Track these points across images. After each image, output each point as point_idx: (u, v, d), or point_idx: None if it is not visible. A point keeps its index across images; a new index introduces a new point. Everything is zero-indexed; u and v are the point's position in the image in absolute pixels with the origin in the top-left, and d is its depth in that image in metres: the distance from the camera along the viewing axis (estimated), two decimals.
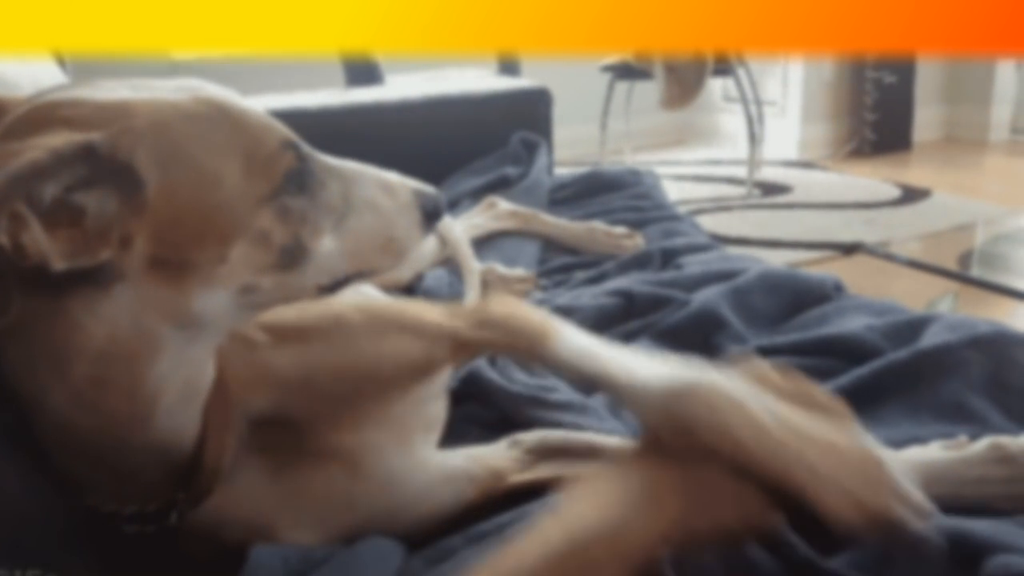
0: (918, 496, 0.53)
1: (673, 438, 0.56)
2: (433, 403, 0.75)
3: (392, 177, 0.61)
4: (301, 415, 0.62)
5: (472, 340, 0.66)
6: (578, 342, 0.64)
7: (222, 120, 0.51)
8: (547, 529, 0.49)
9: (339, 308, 0.66)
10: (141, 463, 0.54)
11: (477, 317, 0.67)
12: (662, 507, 0.51)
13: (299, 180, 0.53)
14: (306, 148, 0.55)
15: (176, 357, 0.51)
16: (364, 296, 0.87)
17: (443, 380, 0.80)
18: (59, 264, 0.44)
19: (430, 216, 0.61)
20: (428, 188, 0.62)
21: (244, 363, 0.59)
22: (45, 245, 0.43)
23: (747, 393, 0.56)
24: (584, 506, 0.50)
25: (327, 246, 0.55)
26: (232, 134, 0.51)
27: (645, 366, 0.61)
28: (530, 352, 0.65)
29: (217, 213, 0.49)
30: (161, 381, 0.50)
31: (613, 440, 0.72)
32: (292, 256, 0.52)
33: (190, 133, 0.49)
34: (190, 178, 0.48)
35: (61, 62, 1.28)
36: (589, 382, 0.65)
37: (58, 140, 0.44)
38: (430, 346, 0.66)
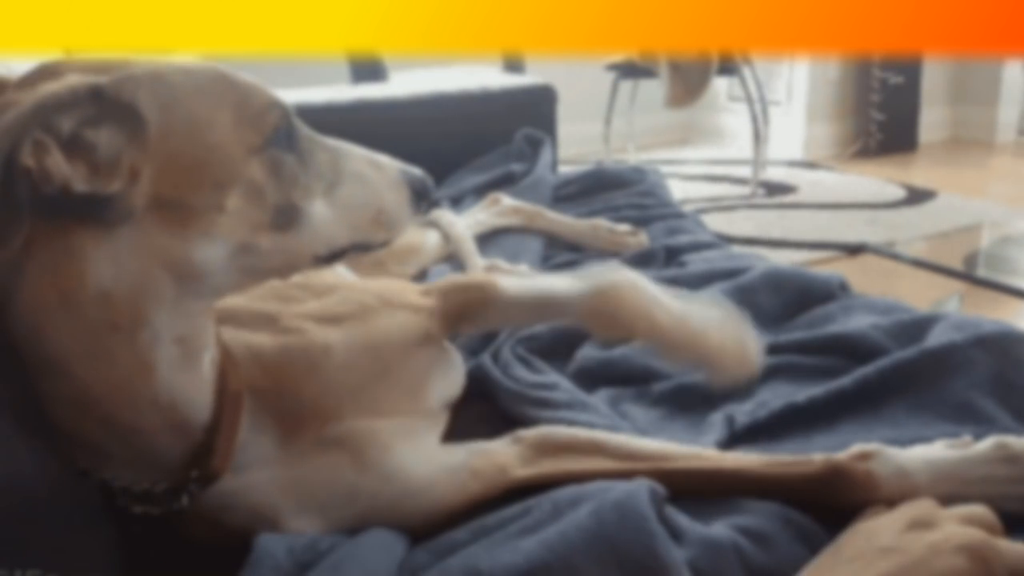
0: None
1: (602, 328, 0.76)
2: (439, 410, 0.77)
3: (379, 156, 0.64)
4: (332, 398, 0.64)
5: (445, 308, 0.77)
6: (520, 280, 0.81)
7: (213, 75, 0.55)
8: None
9: (357, 293, 0.73)
10: (152, 426, 0.54)
11: (440, 288, 0.79)
12: None
13: (287, 138, 0.57)
14: (294, 116, 0.58)
15: (174, 307, 0.52)
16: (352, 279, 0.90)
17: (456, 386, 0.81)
18: (81, 187, 0.47)
19: (418, 195, 0.65)
20: (415, 169, 0.66)
21: (296, 348, 0.64)
22: (67, 170, 0.46)
23: (655, 287, 0.76)
24: None
25: (320, 212, 0.58)
26: (223, 87, 0.54)
27: (571, 282, 0.78)
28: (484, 300, 0.78)
29: (211, 155, 0.52)
30: (160, 331, 0.52)
31: (615, 437, 0.72)
32: (286, 216, 0.55)
33: (185, 82, 0.53)
34: (185, 120, 0.52)
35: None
36: (534, 308, 0.79)
37: (70, 80, 0.48)
38: (423, 318, 0.74)
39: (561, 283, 0.78)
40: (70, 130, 0.47)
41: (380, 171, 0.63)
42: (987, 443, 0.63)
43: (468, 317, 0.78)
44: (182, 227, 0.51)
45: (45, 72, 0.51)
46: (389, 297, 0.74)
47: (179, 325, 0.53)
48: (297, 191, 0.56)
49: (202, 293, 0.54)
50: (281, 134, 0.56)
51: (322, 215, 0.58)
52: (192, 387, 0.55)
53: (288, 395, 0.63)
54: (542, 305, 0.78)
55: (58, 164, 0.46)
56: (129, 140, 0.49)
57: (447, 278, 0.82)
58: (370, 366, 0.68)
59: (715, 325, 0.75)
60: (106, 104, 0.48)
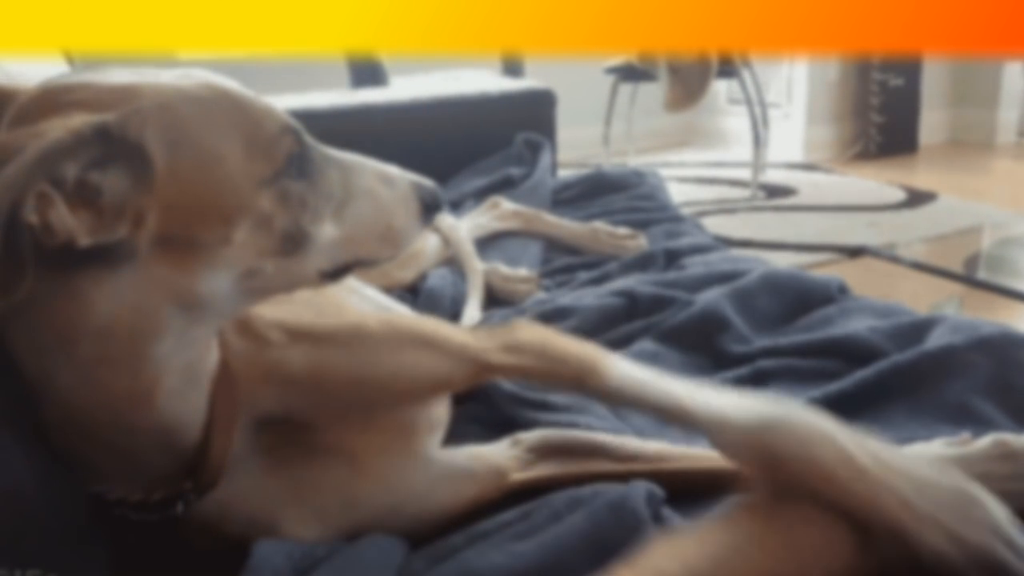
0: (1021, 538, 0.51)
1: (761, 471, 0.54)
2: (437, 404, 0.76)
3: (390, 169, 0.62)
4: (309, 416, 0.62)
5: (500, 364, 0.66)
6: (633, 372, 0.64)
7: (224, 103, 0.52)
8: None
9: (359, 316, 0.67)
10: (146, 448, 0.54)
11: (506, 341, 0.66)
12: (753, 563, 0.50)
13: (299, 164, 0.54)
14: (306, 136, 0.56)
15: (179, 338, 0.51)
16: (389, 310, 0.87)
17: None
18: (85, 240, 0.45)
19: (428, 208, 0.63)
20: (426, 181, 0.63)
21: (256, 360, 0.60)
22: (71, 223, 0.45)
23: (836, 427, 0.54)
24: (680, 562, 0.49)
25: (327, 233, 0.56)
26: (233, 117, 0.52)
27: (721, 397, 0.59)
28: (578, 381, 0.64)
29: (220, 192, 0.50)
30: (163, 362, 0.51)
31: (614, 439, 0.72)
32: (294, 241, 0.54)
33: (194, 114, 0.50)
34: (195, 157, 0.50)
35: (70, 61, 1.29)
36: (654, 412, 0.63)
37: (75, 121, 0.46)
38: (452, 364, 0.66)
39: (706, 396, 0.60)
40: (75, 177, 0.45)
41: (390, 186, 0.61)
42: (986, 440, 0.63)
43: (551, 387, 0.69)
44: (187, 261, 0.50)
45: (45, 101, 0.49)
46: (403, 330, 0.67)
47: (183, 354, 0.52)
48: (306, 216, 0.54)
49: (206, 321, 0.53)
50: (293, 161, 0.54)
51: (330, 236, 0.56)
52: (191, 410, 0.55)
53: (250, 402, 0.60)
54: (667, 412, 0.61)
55: (62, 218, 0.44)
56: (135, 183, 0.47)
57: (534, 333, 0.68)
58: (357, 394, 0.64)
59: (919, 487, 0.52)
60: (112, 144, 0.46)
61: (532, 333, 0.67)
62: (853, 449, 0.52)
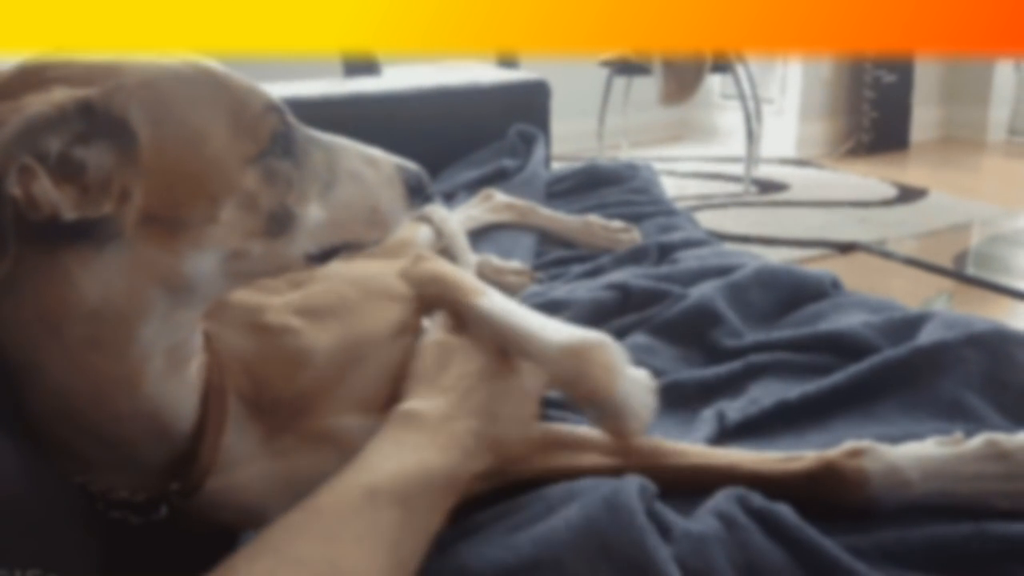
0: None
1: (567, 387, 0.67)
2: None
3: (374, 151, 0.62)
4: (318, 394, 0.64)
5: (419, 297, 0.74)
6: (503, 303, 0.71)
7: (208, 81, 0.52)
8: (388, 469, 0.56)
9: (339, 286, 0.70)
10: (133, 436, 0.53)
11: (419, 275, 0.75)
12: (479, 456, 0.61)
13: (284, 143, 0.54)
14: (290, 115, 0.56)
15: (164, 321, 0.51)
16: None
17: None
18: (70, 214, 0.45)
19: (414, 191, 0.63)
20: (410, 164, 0.64)
21: (285, 349, 0.62)
22: (55, 197, 0.44)
23: (623, 361, 0.68)
24: (419, 454, 0.58)
25: (313, 215, 0.56)
26: (218, 94, 0.52)
27: (556, 327, 0.69)
28: (457, 304, 0.72)
29: (205, 170, 0.50)
30: (149, 344, 0.51)
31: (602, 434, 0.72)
32: (279, 222, 0.53)
33: (178, 92, 0.50)
34: (179, 135, 0.49)
35: None
36: (503, 337, 0.69)
37: (57, 96, 0.45)
38: (403, 306, 0.72)
39: (541, 326, 0.69)
40: (58, 151, 0.44)
41: (375, 168, 0.61)
42: (978, 440, 0.63)
43: (437, 310, 0.74)
44: (173, 241, 0.49)
45: (27, 78, 0.48)
46: (369, 287, 0.72)
47: (168, 336, 0.52)
48: (292, 196, 0.54)
49: (192, 303, 0.53)
50: (278, 140, 0.54)
51: (316, 218, 0.56)
52: (177, 396, 0.54)
53: (270, 395, 0.61)
54: (511, 340, 0.69)
55: (46, 191, 0.44)
56: (120, 158, 0.47)
57: (430, 266, 0.77)
58: (349, 361, 0.66)
59: (644, 410, 0.68)
60: (96, 120, 0.46)
61: (429, 265, 0.77)
62: (623, 381, 0.67)
